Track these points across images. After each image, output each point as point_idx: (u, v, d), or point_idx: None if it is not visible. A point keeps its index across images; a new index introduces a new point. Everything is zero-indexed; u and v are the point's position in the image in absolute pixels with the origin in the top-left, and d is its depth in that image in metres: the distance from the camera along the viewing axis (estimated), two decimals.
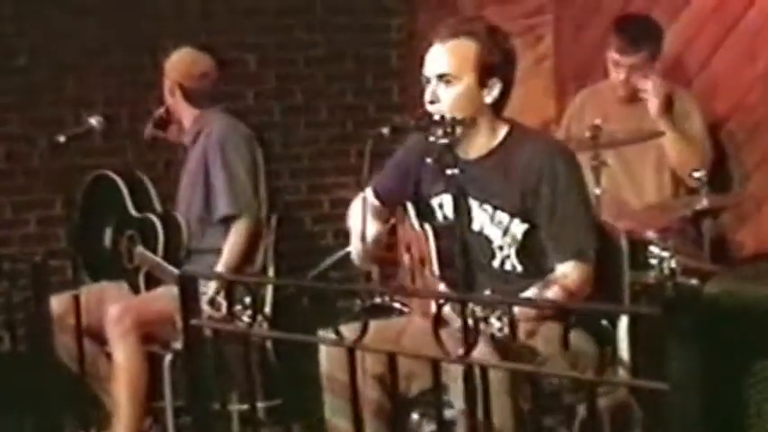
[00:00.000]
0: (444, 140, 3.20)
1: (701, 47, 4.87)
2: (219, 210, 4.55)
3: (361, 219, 3.37)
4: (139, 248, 4.62)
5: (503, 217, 3.33)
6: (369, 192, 3.59)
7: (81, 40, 5.68)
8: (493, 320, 2.78)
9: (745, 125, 4.74)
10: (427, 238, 3.37)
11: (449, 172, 3.15)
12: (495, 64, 3.30)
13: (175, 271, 4.30)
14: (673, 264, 4.15)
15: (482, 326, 2.78)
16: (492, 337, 2.79)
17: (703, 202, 4.27)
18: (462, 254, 3.19)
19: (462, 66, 3.31)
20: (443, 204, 3.43)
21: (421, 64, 3.41)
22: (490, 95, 3.33)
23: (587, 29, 5.13)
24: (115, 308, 4.39)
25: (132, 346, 4.36)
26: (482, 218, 3.37)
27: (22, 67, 5.59)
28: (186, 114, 4.71)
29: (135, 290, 4.63)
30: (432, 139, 3.23)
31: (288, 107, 6.15)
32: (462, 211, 3.20)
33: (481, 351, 2.89)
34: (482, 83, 3.31)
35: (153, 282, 4.60)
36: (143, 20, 5.79)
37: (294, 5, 6.11)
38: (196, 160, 4.64)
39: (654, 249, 4.17)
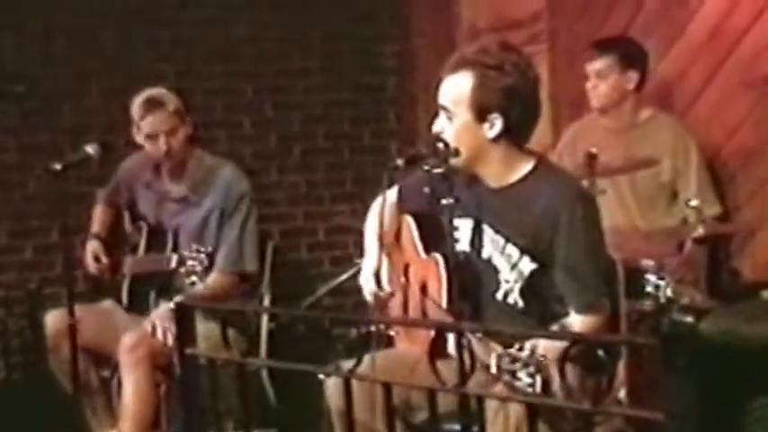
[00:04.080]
0: (439, 170, 3.21)
1: (696, 76, 4.89)
2: (223, 265, 4.53)
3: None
4: (128, 258, 4.67)
5: (513, 251, 3.29)
6: (393, 197, 3.58)
7: (78, 66, 5.70)
8: (522, 375, 2.72)
9: (740, 154, 4.75)
10: (436, 266, 3.33)
11: (443, 201, 3.15)
12: (492, 102, 3.21)
13: (166, 255, 4.38)
14: (669, 292, 4.15)
15: (507, 377, 2.73)
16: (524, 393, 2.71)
17: (699, 230, 4.27)
18: (472, 285, 3.22)
19: (458, 103, 3.25)
20: (459, 228, 3.37)
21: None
22: (492, 131, 3.25)
23: (582, 57, 5.14)
24: (130, 337, 4.39)
25: (144, 375, 4.36)
26: (493, 247, 3.34)
27: (19, 94, 5.61)
28: (187, 157, 4.65)
29: (120, 301, 4.66)
30: (426, 168, 3.24)
31: (284, 135, 6.16)
32: (450, 240, 3.19)
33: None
34: (480, 118, 3.24)
35: (136, 294, 4.61)
36: (140, 47, 5.81)
37: (291, 33, 6.13)
38: (205, 211, 4.59)
39: (650, 278, 4.18)
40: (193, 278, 4.20)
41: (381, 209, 3.36)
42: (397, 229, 3.63)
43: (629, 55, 4.74)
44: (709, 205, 4.57)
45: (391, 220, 3.61)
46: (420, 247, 3.51)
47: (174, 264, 4.31)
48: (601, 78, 4.74)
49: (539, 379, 2.69)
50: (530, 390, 2.69)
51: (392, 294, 3.52)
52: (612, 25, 5.20)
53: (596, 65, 4.74)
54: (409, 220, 3.56)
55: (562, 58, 5.43)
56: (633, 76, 4.72)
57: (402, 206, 3.63)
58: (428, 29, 6.26)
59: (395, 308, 3.60)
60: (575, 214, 3.21)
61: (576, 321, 3.24)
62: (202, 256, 4.20)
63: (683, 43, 4.92)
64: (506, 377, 2.73)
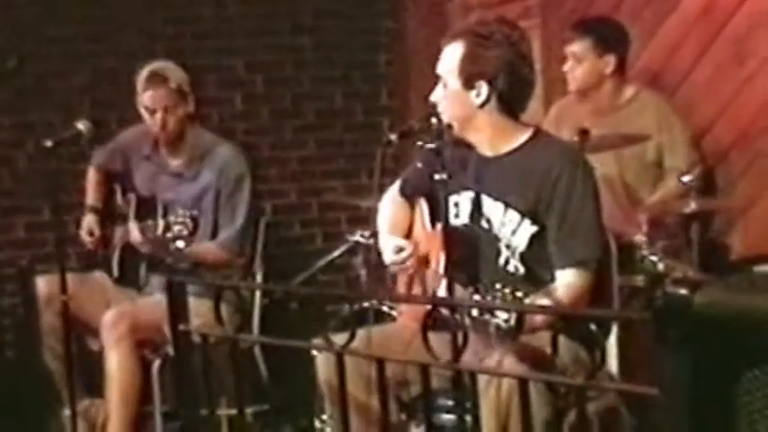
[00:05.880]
0: (431, 145, 3.23)
1: (689, 51, 4.87)
2: (226, 242, 4.55)
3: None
4: (118, 229, 4.68)
5: (514, 216, 3.36)
6: (395, 187, 3.72)
7: (69, 45, 5.68)
8: (499, 313, 2.85)
9: (732, 130, 4.74)
10: (437, 238, 3.37)
11: (437, 177, 3.18)
12: (477, 70, 3.35)
13: (152, 222, 4.41)
14: (661, 267, 4.16)
15: (487, 316, 2.86)
16: (497, 328, 2.85)
17: (692, 206, 4.27)
18: (471, 254, 3.29)
19: (450, 69, 3.39)
20: (459, 203, 3.45)
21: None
22: (479, 98, 3.36)
23: (562, 38, 5.12)
24: (111, 313, 4.41)
25: (126, 352, 4.37)
26: (492, 215, 3.39)
27: (10, 72, 5.58)
28: (185, 134, 4.67)
29: (110, 273, 4.71)
30: (419, 144, 3.27)
31: (276, 111, 6.14)
32: (445, 213, 3.22)
33: (506, 361, 2.96)
34: (468, 86, 3.37)
35: (126, 265, 4.66)
36: (130, 24, 5.79)
37: (282, 9, 6.10)
38: (200, 187, 4.61)
39: (642, 252, 4.18)
40: (180, 243, 4.19)
41: (385, 202, 3.60)
42: (410, 220, 3.70)
43: (607, 38, 4.69)
44: (696, 178, 4.53)
45: (398, 215, 3.70)
46: (427, 221, 3.57)
47: (160, 230, 4.30)
48: (577, 61, 4.70)
49: (513, 315, 2.83)
50: (504, 325, 2.83)
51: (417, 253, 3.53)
52: None
53: (573, 47, 4.71)
54: (422, 201, 3.64)
55: (554, 33, 5.41)
56: (611, 60, 4.68)
57: (407, 196, 3.71)
58: (420, 5, 6.24)
59: (401, 286, 3.62)
60: (575, 176, 3.32)
61: (562, 278, 3.28)
62: (188, 220, 4.19)
63: (677, 18, 4.90)
64: (486, 316, 2.86)
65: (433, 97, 3.42)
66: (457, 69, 3.36)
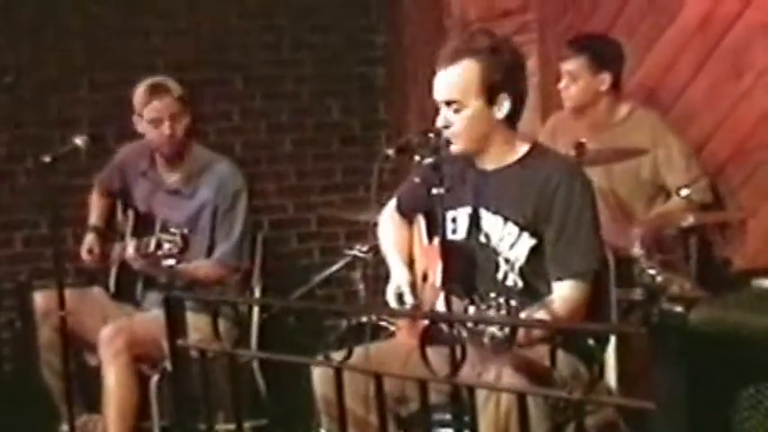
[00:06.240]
0: (429, 160, 3.22)
1: (686, 63, 4.87)
2: (223, 258, 4.56)
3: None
4: (116, 246, 4.68)
5: (512, 229, 3.35)
6: (392, 205, 3.72)
7: (67, 58, 5.68)
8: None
9: (730, 144, 4.74)
10: (434, 251, 3.36)
11: (434, 191, 3.17)
12: (500, 81, 3.32)
13: (144, 240, 4.39)
14: (659, 280, 4.16)
15: (481, 326, 2.88)
16: (492, 337, 2.86)
17: (689, 219, 4.27)
18: (468, 268, 3.30)
19: (468, 90, 3.33)
20: (456, 219, 3.44)
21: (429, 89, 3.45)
22: (501, 111, 3.34)
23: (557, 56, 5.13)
24: (108, 329, 4.41)
25: (124, 367, 4.37)
26: (491, 229, 3.39)
27: (8, 86, 5.59)
28: (185, 149, 4.68)
29: (107, 289, 4.72)
30: (417, 159, 3.26)
31: (274, 125, 6.15)
32: (443, 227, 3.22)
33: (505, 374, 2.97)
34: (490, 101, 3.33)
35: (123, 281, 4.67)
36: (130, 38, 5.80)
37: (280, 23, 6.12)
38: (198, 204, 4.62)
39: (641, 266, 4.18)
40: (171, 261, 4.19)
41: (384, 223, 3.61)
42: (410, 239, 3.70)
43: (603, 56, 4.68)
44: (700, 192, 4.55)
45: (399, 234, 3.70)
46: (425, 236, 3.57)
47: (152, 247, 4.30)
48: (572, 79, 4.69)
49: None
50: (499, 333, 2.86)
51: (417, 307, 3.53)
52: (602, 14, 5.19)
53: (569, 65, 4.69)
54: (419, 216, 3.64)
55: (552, 48, 5.42)
56: (606, 78, 4.67)
57: (405, 213, 3.71)
58: (418, 19, 6.25)
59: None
60: (573, 188, 3.31)
61: (559, 290, 3.27)
62: (178, 237, 4.19)
63: (674, 32, 4.90)
64: (481, 326, 2.88)
65: (441, 123, 3.35)
66: (477, 87, 3.31)
